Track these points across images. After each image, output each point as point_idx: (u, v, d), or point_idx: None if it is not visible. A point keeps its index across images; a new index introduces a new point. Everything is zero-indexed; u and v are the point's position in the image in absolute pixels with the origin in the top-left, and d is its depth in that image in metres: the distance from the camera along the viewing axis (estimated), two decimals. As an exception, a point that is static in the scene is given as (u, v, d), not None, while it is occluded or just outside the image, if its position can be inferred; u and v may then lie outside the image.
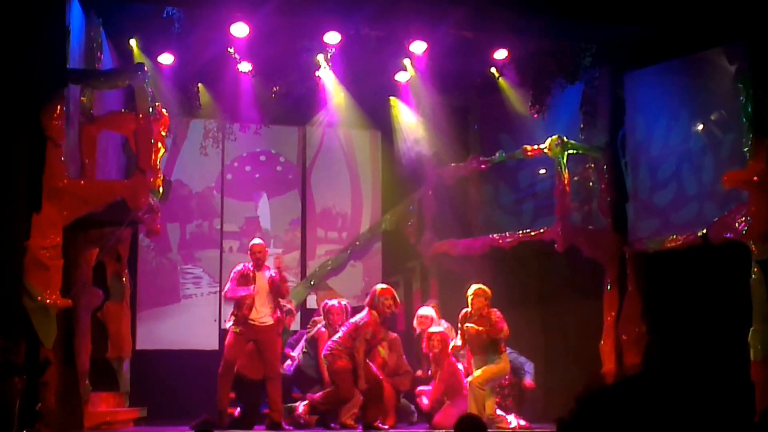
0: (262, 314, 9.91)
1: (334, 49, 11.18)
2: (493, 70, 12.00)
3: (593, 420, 1.80)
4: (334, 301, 10.86)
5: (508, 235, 11.69)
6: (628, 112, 10.83)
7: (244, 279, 9.93)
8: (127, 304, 10.77)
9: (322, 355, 10.02)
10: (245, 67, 11.38)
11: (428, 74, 11.87)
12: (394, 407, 10.58)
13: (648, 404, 1.75)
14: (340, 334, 9.85)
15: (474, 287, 9.81)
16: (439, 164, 12.77)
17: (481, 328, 9.57)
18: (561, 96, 11.45)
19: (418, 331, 10.92)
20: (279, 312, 10.04)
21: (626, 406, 1.77)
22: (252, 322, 9.85)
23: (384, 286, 10.09)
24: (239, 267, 10.13)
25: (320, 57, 11.42)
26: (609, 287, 10.73)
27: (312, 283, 12.81)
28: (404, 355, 10.95)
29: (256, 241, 10.39)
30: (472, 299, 9.76)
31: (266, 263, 10.25)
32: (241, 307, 9.87)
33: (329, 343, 9.88)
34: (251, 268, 10.00)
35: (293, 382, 10.75)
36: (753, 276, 8.90)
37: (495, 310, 9.74)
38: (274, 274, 10.02)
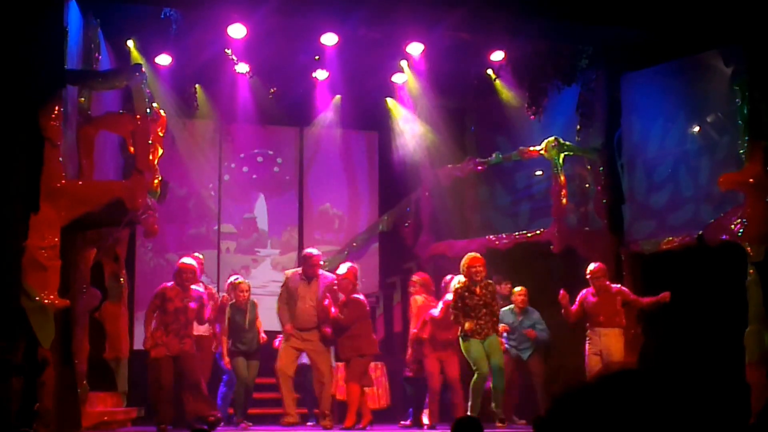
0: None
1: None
2: (489, 71, 12.03)
3: (570, 419, 1.71)
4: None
5: (504, 236, 11.70)
6: (624, 114, 10.85)
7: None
8: (125, 305, 10.75)
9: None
10: (242, 68, 11.40)
11: (425, 76, 11.89)
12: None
13: (630, 404, 1.68)
14: None
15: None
16: (436, 166, 12.77)
17: None
18: (557, 98, 11.48)
19: None
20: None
21: (606, 404, 1.69)
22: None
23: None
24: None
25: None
26: (605, 289, 10.74)
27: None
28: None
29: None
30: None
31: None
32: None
33: None
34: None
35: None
36: (749, 278, 8.92)
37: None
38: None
